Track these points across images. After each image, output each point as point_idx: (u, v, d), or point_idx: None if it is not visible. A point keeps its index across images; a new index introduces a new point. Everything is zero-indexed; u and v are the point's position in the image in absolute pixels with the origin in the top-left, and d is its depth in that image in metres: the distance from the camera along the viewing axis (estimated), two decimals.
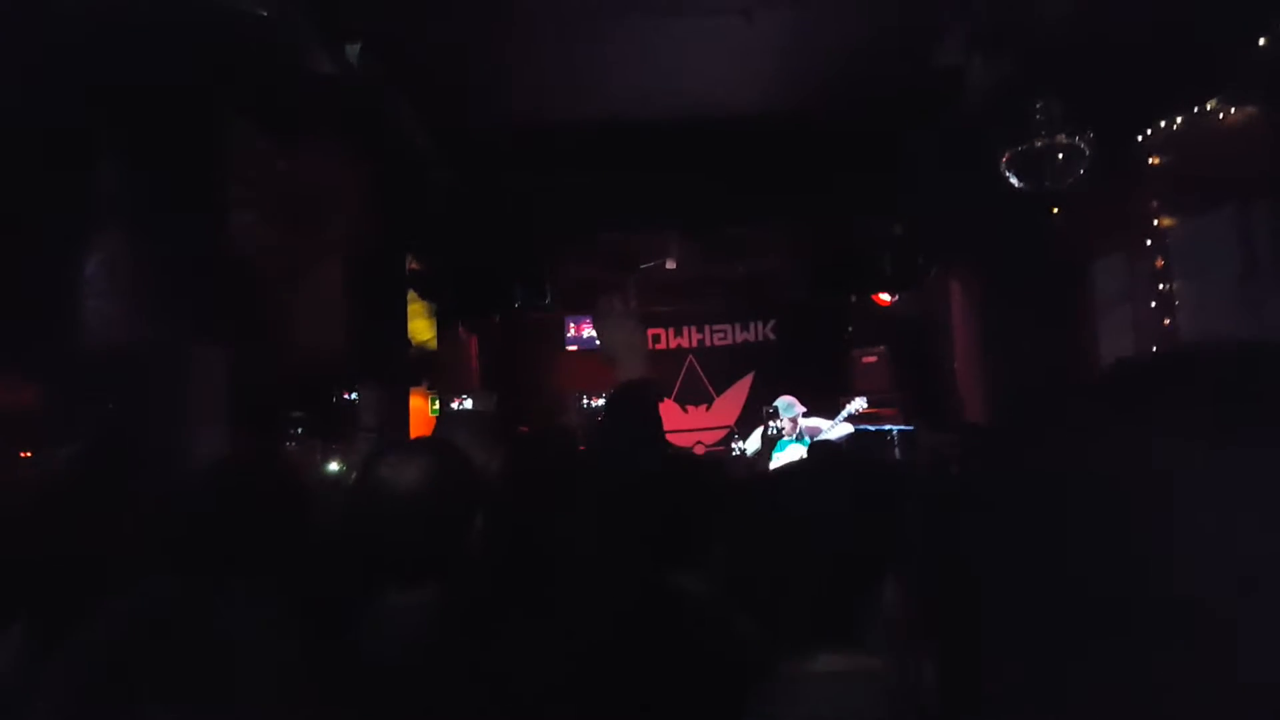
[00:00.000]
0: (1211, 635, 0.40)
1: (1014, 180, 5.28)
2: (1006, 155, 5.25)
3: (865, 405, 7.36)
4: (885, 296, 8.95)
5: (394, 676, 1.50)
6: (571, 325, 9.51)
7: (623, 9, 4.81)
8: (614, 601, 1.68)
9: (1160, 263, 5.43)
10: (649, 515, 1.87)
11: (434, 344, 7.89)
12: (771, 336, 10.30)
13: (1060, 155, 5.11)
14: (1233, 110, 4.53)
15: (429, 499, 1.75)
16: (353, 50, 4.65)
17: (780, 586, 1.32)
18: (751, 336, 10.36)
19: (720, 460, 7.88)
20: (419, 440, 2.95)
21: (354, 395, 4.44)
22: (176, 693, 1.03)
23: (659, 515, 1.91)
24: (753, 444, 7.29)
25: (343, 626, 1.60)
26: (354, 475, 2.29)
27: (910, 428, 7.20)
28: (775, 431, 6.77)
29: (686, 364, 10.23)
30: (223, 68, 3.97)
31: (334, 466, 3.77)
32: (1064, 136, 5.05)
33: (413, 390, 7.09)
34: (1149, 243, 5.48)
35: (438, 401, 7.77)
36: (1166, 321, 5.43)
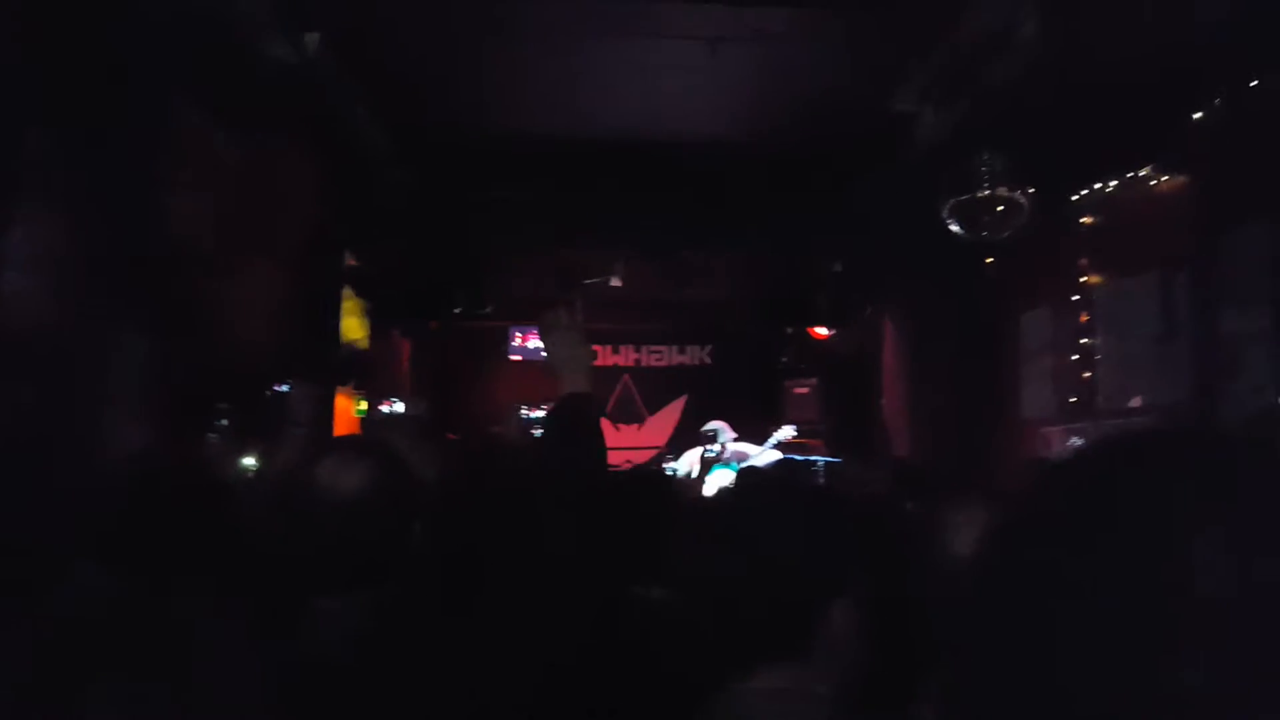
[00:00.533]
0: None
1: (954, 228, 5.42)
2: (948, 204, 5.39)
3: (794, 434, 7.47)
4: (821, 330, 9.09)
5: (329, 679, 1.47)
6: (517, 335, 9.46)
7: (590, 26, 4.83)
8: (554, 609, 1.68)
9: (1084, 318, 5.61)
10: (595, 526, 1.88)
11: (365, 344, 7.76)
12: (708, 361, 10.38)
13: (999, 208, 5.27)
14: (1165, 178, 4.71)
15: (372, 499, 1.73)
16: (311, 39, 4.57)
17: (729, 603, 1.34)
18: (688, 360, 10.43)
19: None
20: (358, 439, 2.90)
21: (284, 389, 4.34)
22: (102, 689, 1.00)
23: (607, 527, 1.91)
24: (684, 466, 7.32)
25: (277, 627, 1.57)
26: (289, 472, 2.24)
27: (836, 459, 7.31)
28: (713, 455, 6.83)
29: (622, 382, 10.25)
30: (172, 45, 3.87)
31: (258, 461, 3.68)
32: (1004, 190, 5.20)
33: (338, 390, 6.96)
34: (1075, 298, 5.66)
35: (364, 403, 7.64)
36: (1086, 375, 5.60)
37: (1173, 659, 0.44)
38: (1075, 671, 0.46)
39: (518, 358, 9.57)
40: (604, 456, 2.03)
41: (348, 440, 2.60)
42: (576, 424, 1.99)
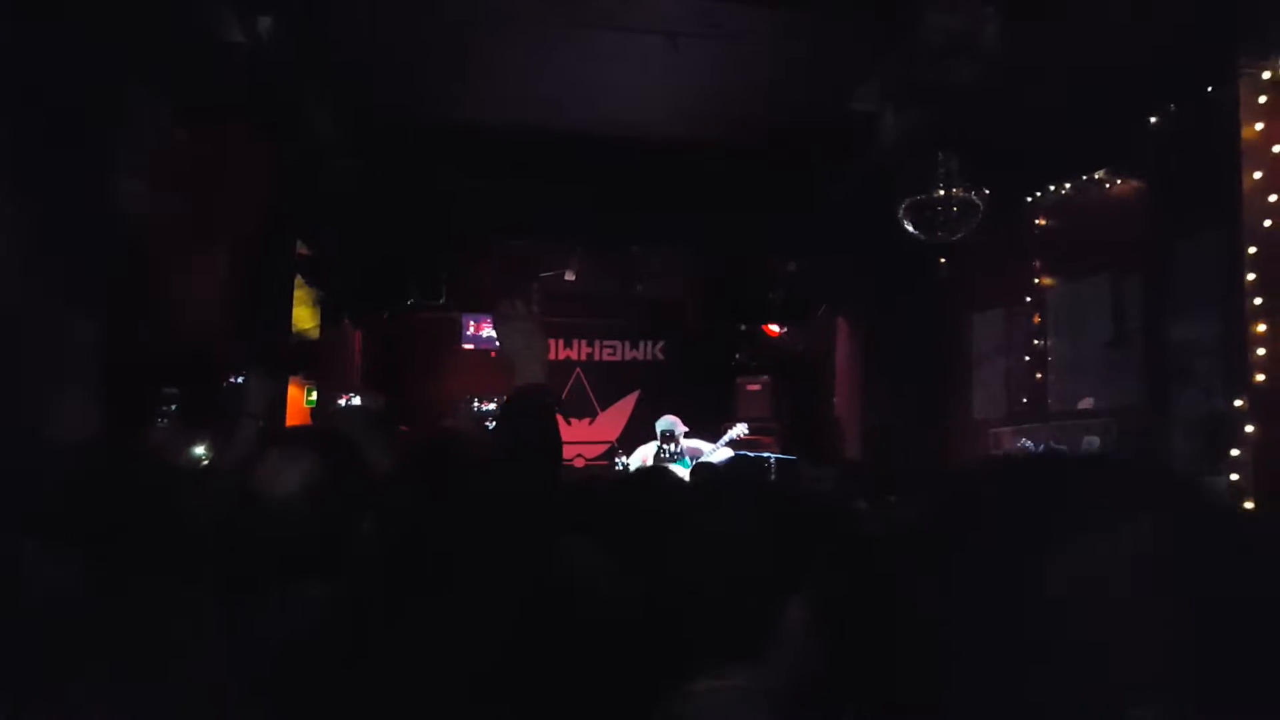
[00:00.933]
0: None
1: (909, 228, 5.46)
2: (904, 203, 5.43)
3: (746, 431, 7.50)
4: (775, 328, 9.13)
5: (278, 670, 1.43)
6: (470, 323, 9.36)
7: (548, 18, 4.77)
8: (509, 603, 1.65)
9: (1037, 319, 5.70)
10: (556, 519, 1.85)
11: (316, 333, 7.63)
12: (660, 357, 10.38)
13: (955, 208, 5.32)
14: (1118, 182, 4.79)
15: (319, 491, 1.70)
16: (264, 22, 4.46)
17: (689, 601, 1.34)
18: (640, 355, 10.41)
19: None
20: (308, 430, 2.83)
21: (240, 379, 4.24)
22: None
23: (565, 523, 1.88)
24: (637, 461, 7.30)
25: (222, 620, 1.51)
26: (242, 461, 2.18)
27: (786, 456, 7.35)
28: (669, 455, 6.82)
29: (573, 376, 10.21)
30: (124, 24, 3.75)
31: (209, 450, 3.59)
32: (960, 191, 5.26)
33: (289, 380, 6.83)
34: (1028, 300, 5.75)
35: (315, 393, 7.51)
36: (1038, 375, 5.70)
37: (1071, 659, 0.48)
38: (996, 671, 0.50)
39: (469, 346, 9.47)
40: (559, 447, 2.01)
41: (298, 431, 2.55)
42: (531, 414, 1.97)
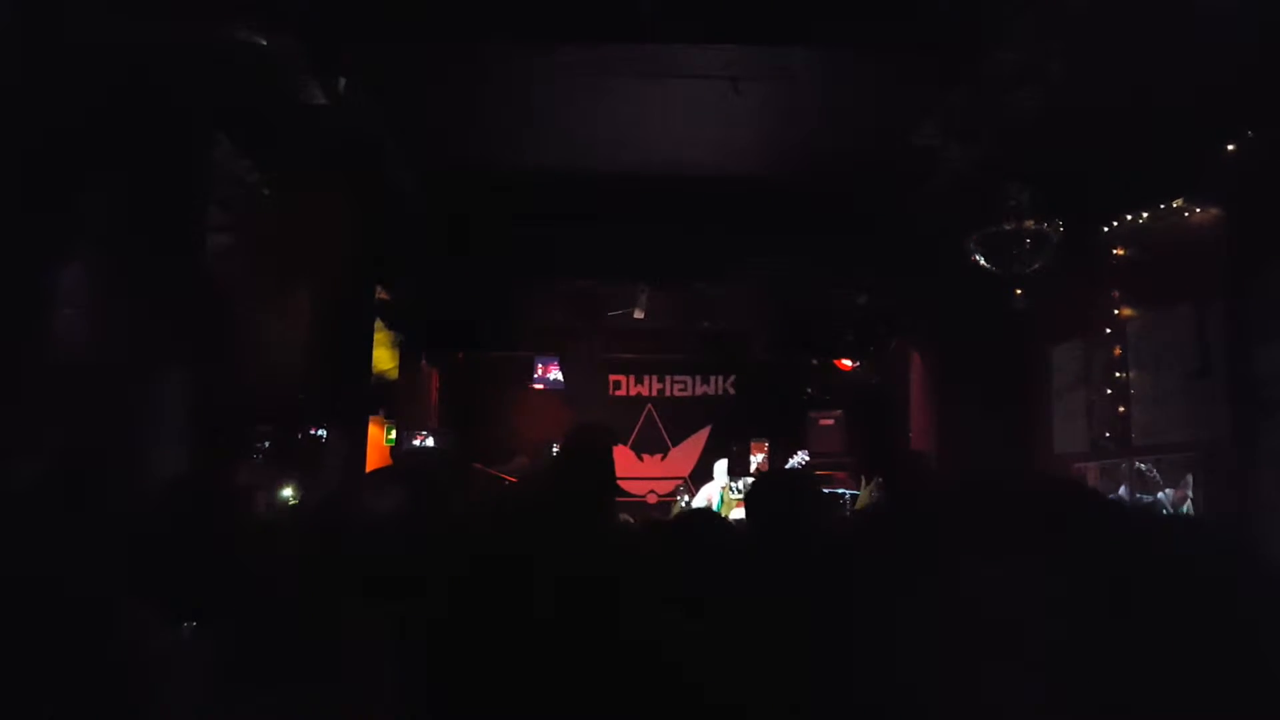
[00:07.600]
0: None
1: (981, 260, 5.40)
2: (975, 236, 5.38)
3: (806, 458, 7.46)
4: (846, 361, 9.07)
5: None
6: (539, 366, 9.50)
7: (615, 68, 4.88)
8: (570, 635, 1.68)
9: (1118, 351, 5.57)
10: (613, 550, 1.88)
11: (395, 374, 7.84)
12: (731, 392, 10.37)
13: (1027, 240, 5.25)
14: (1197, 210, 4.69)
15: (409, 522, 1.78)
16: (343, 83, 4.65)
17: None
18: (711, 390, 10.41)
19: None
20: (392, 470, 2.96)
21: (320, 432, 4.42)
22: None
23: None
24: (702, 499, 7.30)
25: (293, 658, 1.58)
26: (331, 500, 2.29)
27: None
28: (738, 497, 6.82)
29: (645, 412, 10.24)
30: (213, 91, 3.97)
31: (296, 491, 3.75)
32: (1032, 222, 5.19)
33: (370, 419, 7.04)
34: (1108, 331, 5.62)
35: (393, 431, 7.70)
36: (1121, 409, 5.55)
37: None
38: None
39: (540, 386, 9.56)
40: (613, 481, 2.08)
41: (385, 471, 2.67)
42: (588, 451, 2.04)
